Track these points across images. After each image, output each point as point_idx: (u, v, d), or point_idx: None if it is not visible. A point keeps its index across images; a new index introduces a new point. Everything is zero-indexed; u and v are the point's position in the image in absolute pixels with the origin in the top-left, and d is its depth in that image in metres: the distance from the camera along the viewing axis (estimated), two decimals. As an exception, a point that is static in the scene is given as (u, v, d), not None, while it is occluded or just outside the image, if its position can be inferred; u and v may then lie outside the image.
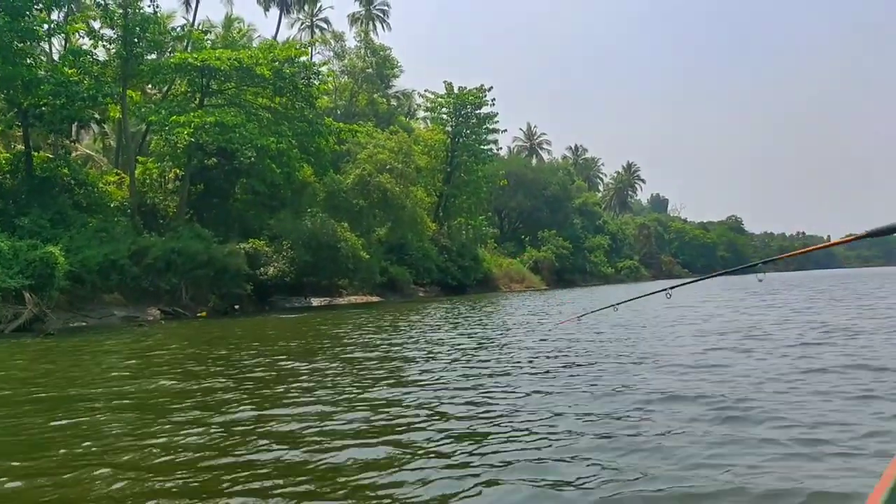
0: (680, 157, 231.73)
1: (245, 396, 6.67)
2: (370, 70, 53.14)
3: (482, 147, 49.84)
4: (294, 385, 7.30)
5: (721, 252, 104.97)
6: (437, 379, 7.34)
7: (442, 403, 5.91)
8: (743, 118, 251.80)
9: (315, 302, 30.75)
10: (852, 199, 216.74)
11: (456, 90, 48.54)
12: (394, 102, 59.44)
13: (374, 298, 34.44)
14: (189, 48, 30.41)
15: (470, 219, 50.30)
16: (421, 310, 22.58)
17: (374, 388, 6.82)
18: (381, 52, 54.07)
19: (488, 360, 8.68)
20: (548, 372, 7.46)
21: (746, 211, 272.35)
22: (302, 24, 52.64)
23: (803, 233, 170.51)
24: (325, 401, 6.22)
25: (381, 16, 59.02)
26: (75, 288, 20.44)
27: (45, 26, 23.46)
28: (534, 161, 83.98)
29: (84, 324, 19.63)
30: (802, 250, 2.73)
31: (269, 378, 7.94)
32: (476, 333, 12.76)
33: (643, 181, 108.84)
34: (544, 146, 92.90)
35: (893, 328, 10.88)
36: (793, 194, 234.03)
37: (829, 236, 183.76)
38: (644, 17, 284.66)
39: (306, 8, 50.43)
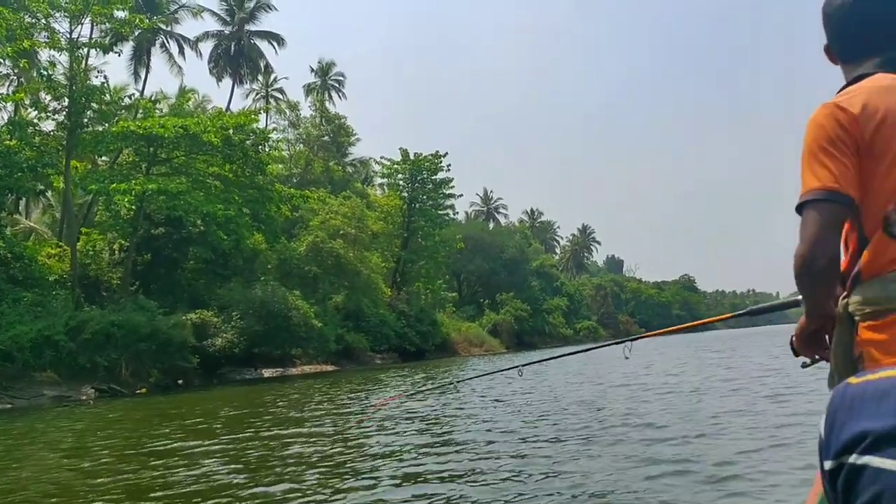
0: (632, 219, 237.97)
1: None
2: (326, 138, 53.57)
3: (439, 212, 50.11)
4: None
5: (676, 310, 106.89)
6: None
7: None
8: (688, 179, 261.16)
9: (266, 373, 29.73)
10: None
11: (412, 156, 49.12)
12: (350, 169, 59.79)
13: (329, 367, 33.48)
14: (138, 118, 30.17)
15: (428, 283, 50.04)
16: (351, 386, 21.85)
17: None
18: (337, 121, 54.69)
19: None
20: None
21: (698, 270, 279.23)
22: (257, 94, 53.07)
23: (754, 290, 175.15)
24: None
25: (337, 86, 60.02)
26: (4, 367, 19.25)
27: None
28: (491, 225, 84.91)
29: (10, 405, 18.38)
30: (667, 330, 2.87)
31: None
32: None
33: (598, 243, 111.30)
34: (501, 210, 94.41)
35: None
36: (742, 253, 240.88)
37: (777, 293, 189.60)
38: (593, 83, 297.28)
39: (260, 79, 50.95)
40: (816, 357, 1.71)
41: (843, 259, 1.56)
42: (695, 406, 9.56)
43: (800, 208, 1.49)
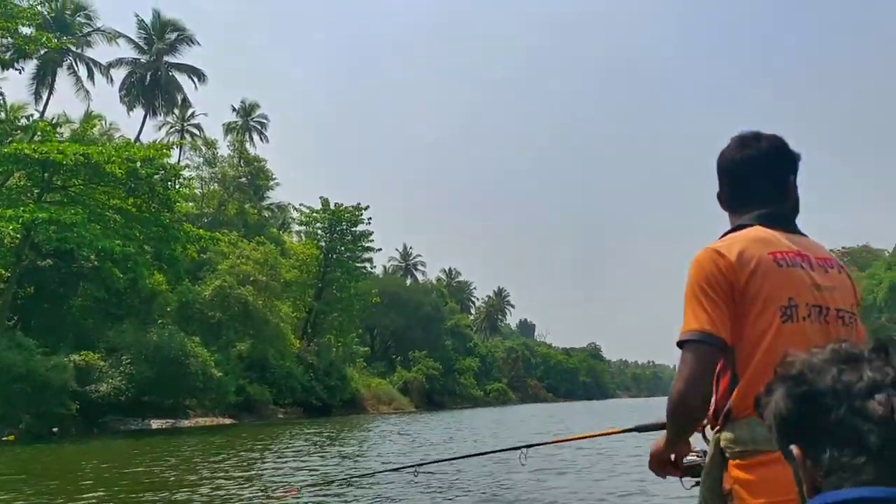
0: (545, 285, 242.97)
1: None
2: (243, 179, 51.83)
3: (356, 264, 49.15)
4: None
5: (582, 377, 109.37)
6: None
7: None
8: (598, 250, 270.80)
9: (155, 424, 27.29)
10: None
11: (332, 206, 48.19)
12: (267, 214, 57.98)
13: (227, 420, 31.25)
14: (35, 140, 28.01)
15: (340, 336, 48.45)
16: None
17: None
18: (256, 163, 53.13)
19: None
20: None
21: (604, 338, 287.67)
22: (171, 127, 50.84)
23: (653, 361, 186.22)
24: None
25: (259, 128, 58.75)
26: None
27: None
28: (408, 281, 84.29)
29: None
30: (563, 438, 3.27)
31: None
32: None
33: (513, 306, 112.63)
34: (419, 267, 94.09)
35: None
36: (644, 325, 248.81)
37: (674, 365, 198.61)
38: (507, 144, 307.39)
39: (176, 112, 48.99)
40: (695, 480, 1.81)
41: (717, 393, 1.67)
42: (591, 485, 9.70)
43: (680, 344, 1.61)
